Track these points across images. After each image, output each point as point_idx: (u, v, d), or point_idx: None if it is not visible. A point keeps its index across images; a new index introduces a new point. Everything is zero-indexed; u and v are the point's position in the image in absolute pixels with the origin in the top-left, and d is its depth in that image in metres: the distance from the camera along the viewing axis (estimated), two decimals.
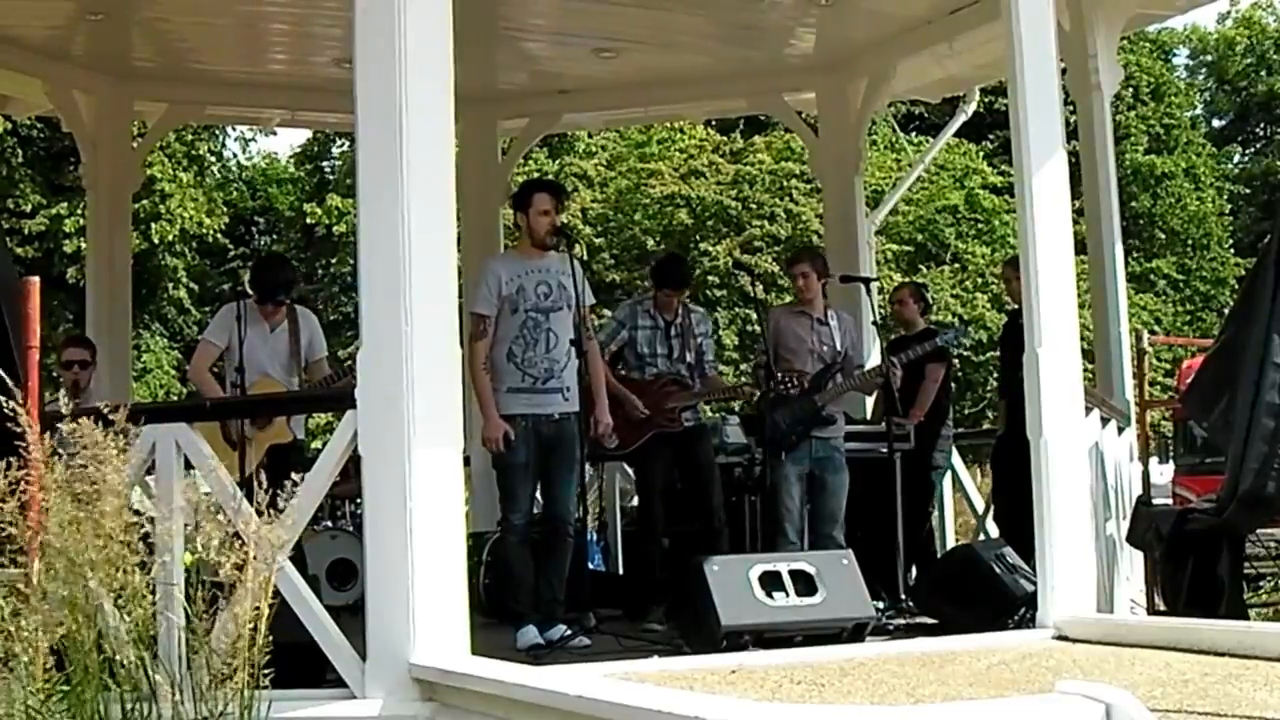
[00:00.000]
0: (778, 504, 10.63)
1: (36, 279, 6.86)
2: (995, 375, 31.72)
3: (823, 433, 10.79)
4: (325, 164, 46.18)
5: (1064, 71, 10.66)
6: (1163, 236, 44.09)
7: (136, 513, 6.80)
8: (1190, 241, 44.55)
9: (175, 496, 7.35)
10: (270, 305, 10.51)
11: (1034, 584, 8.96)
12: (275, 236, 47.18)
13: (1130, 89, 42.71)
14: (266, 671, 6.32)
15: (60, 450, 6.45)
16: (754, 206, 35.08)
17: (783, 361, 10.77)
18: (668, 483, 10.70)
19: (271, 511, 6.52)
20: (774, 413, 10.65)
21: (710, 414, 11.27)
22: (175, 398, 34.71)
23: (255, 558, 6.44)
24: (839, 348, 11.01)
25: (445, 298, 7.54)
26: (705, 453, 10.79)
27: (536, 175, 32.72)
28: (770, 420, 10.65)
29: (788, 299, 11.81)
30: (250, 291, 10.73)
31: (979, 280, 36.54)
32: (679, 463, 10.68)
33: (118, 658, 6.23)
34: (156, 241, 35.22)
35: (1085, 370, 9.21)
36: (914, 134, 34.60)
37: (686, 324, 10.82)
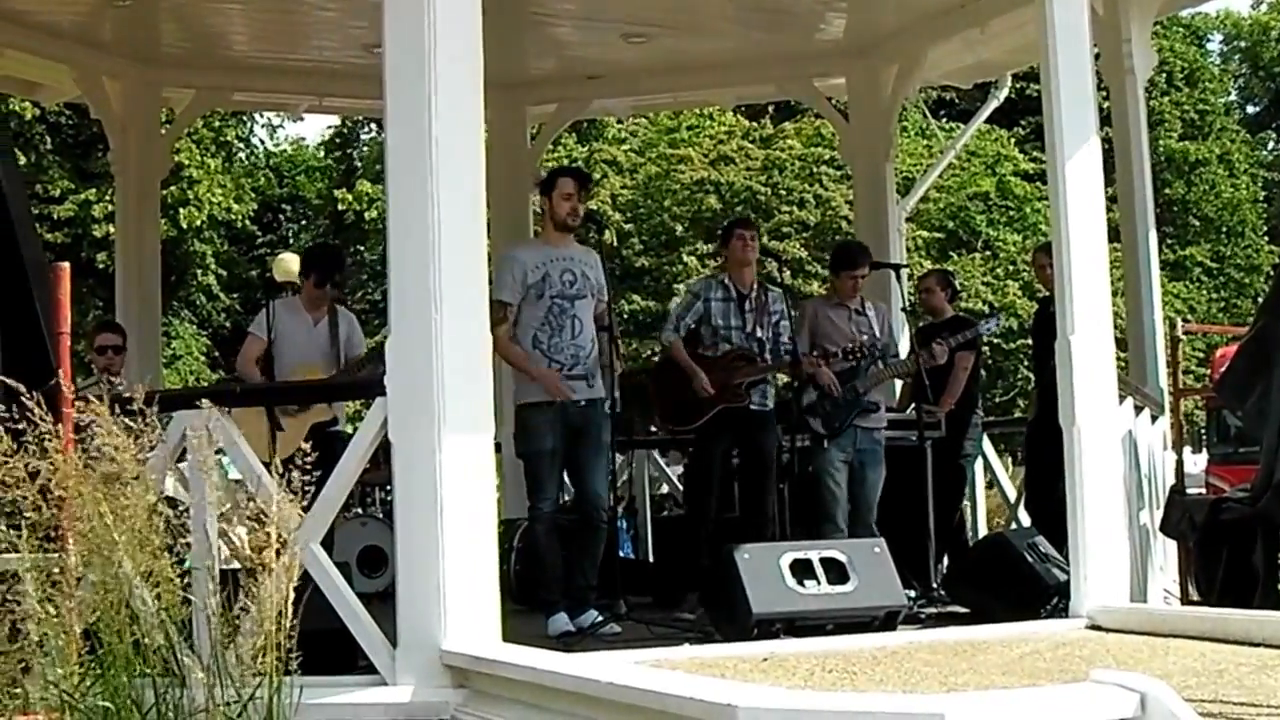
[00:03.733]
0: (822, 490, 10.58)
1: (67, 265, 6.86)
2: (1026, 363, 31.66)
3: (865, 422, 10.76)
4: (353, 150, 46.23)
5: (1097, 56, 10.60)
6: (1196, 224, 43.97)
7: (171, 499, 6.81)
8: (1224, 228, 44.43)
9: (207, 481, 7.36)
10: (329, 288, 10.65)
11: (1066, 573, 8.94)
12: (304, 223, 47.25)
13: (1163, 75, 42.56)
14: (296, 655, 6.31)
15: (90, 434, 6.44)
16: (783, 192, 35.02)
17: (822, 351, 10.72)
18: (726, 469, 10.64)
19: (296, 491, 6.50)
20: (816, 399, 10.62)
21: None
22: (205, 384, 34.77)
23: (280, 538, 6.43)
24: (878, 335, 10.97)
25: (475, 284, 7.54)
26: (770, 442, 10.63)
27: (566, 162, 32.75)
28: (811, 406, 10.62)
29: (815, 285, 11.65)
30: (301, 280, 11.04)
31: (1010, 268, 36.44)
32: (741, 449, 10.63)
33: (148, 641, 6.22)
34: (185, 227, 35.31)
35: (1118, 359, 9.16)
36: (945, 120, 34.46)
37: (762, 300, 10.75)
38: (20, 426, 6.08)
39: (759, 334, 10.64)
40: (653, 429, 12.29)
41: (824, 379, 10.61)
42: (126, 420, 6.33)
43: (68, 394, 6.49)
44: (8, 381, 6.16)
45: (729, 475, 10.78)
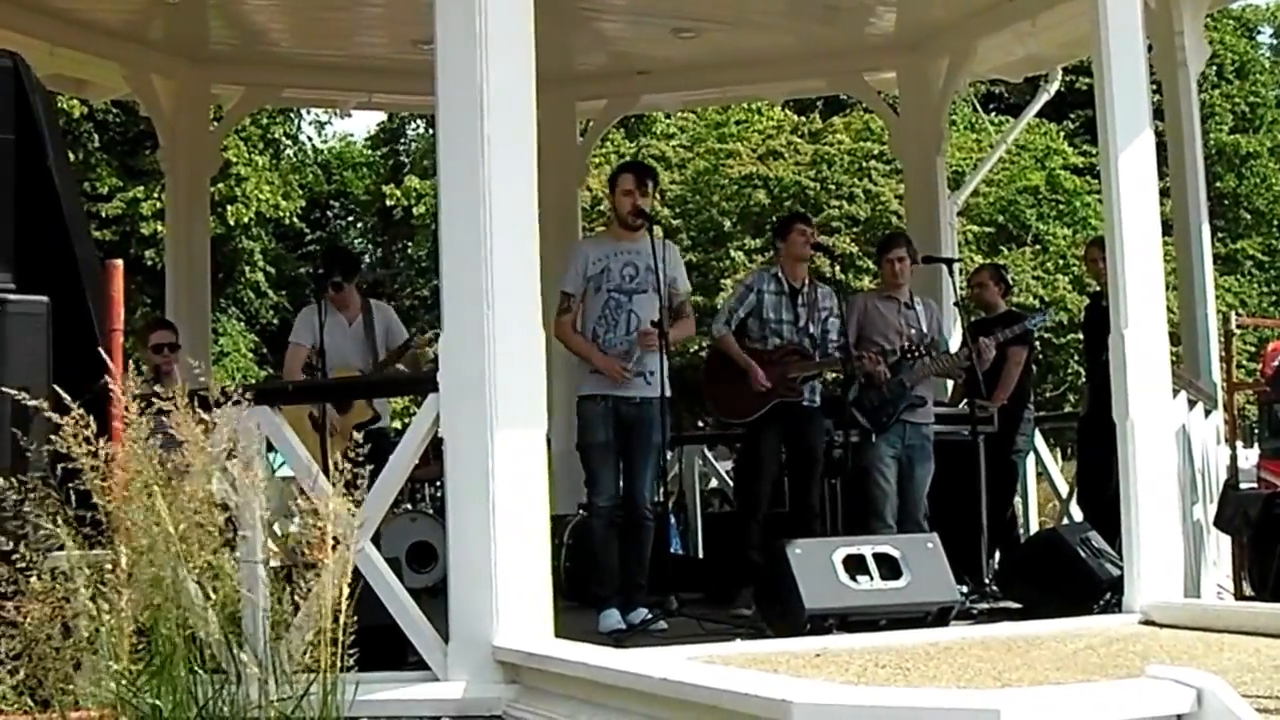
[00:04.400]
0: (870, 486, 10.55)
1: (120, 262, 6.87)
2: (1076, 358, 31.52)
3: (913, 417, 10.71)
4: (400, 146, 46.32)
5: (1149, 49, 10.54)
6: (1248, 217, 43.73)
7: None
8: (1276, 222, 44.15)
9: (256, 478, 7.37)
10: (331, 290, 10.68)
11: (1120, 568, 8.91)
12: (351, 219, 47.37)
13: (1214, 67, 42.31)
14: (350, 652, 6.32)
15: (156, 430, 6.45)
16: (833, 187, 34.92)
17: (870, 344, 10.70)
18: (778, 462, 10.61)
19: (349, 489, 6.49)
20: (861, 393, 10.61)
21: None
22: (252, 381, 34.85)
23: (333, 536, 6.43)
24: (925, 331, 10.95)
25: (527, 279, 7.53)
26: (816, 438, 10.62)
27: (614, 158, 32.73)
28: (858, 400, 10.60)
29: (865, 280, 11.63)
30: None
31: (1060, 262, 36.26)
32: (788, 443, 10.58)
33: (202, 638, 6.24)
34: (233, 225, 35.37)
35: (1171, 353, 9.11)
36: (994, 114, 34.36)
37: (813, 296, 10.71)
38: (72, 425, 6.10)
39: (810, 329, 10.60)
40: (700, 424, 12.26)
41: (875, 374, 10.59)
42: (201, 414, 6.36)
43: (118, 394, 6.50)
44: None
45: (780, 470, 10.75)
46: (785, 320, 10.58)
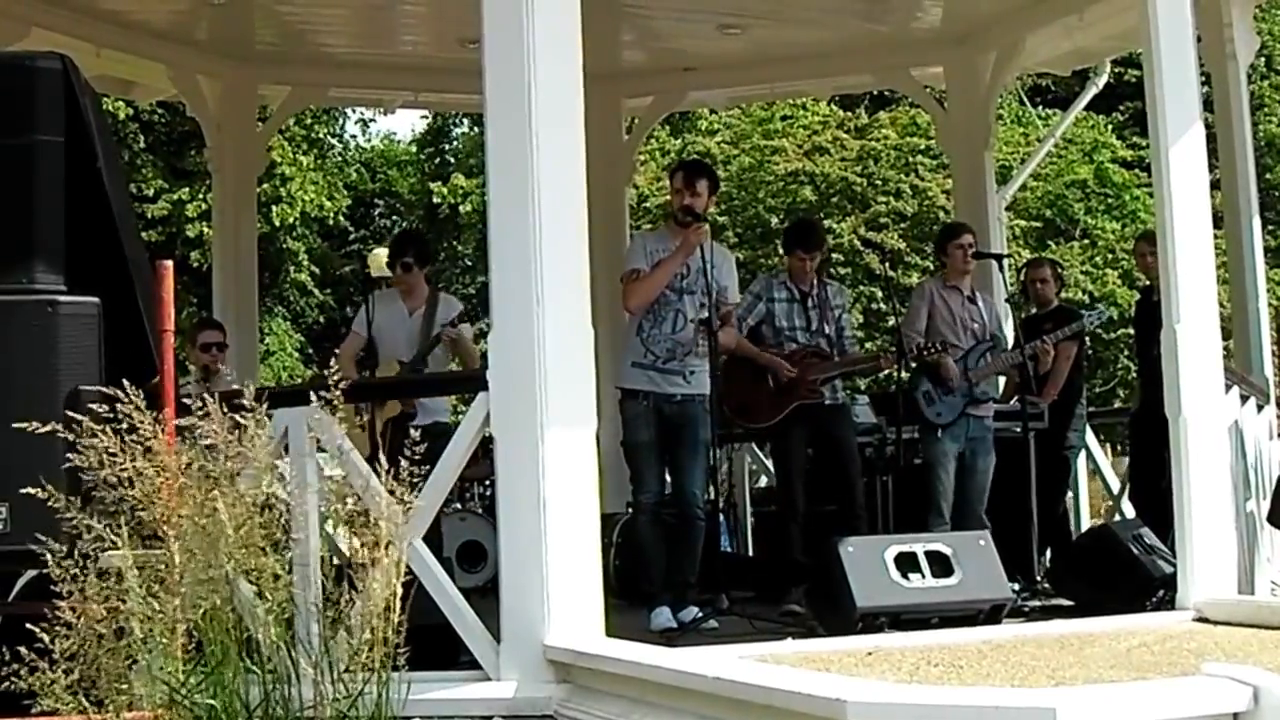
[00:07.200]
0: (932, 480, 10.57)
1: (169, 263, 6.89)
2: (1126, 353, 31.35)
3: (977, 411, 10.74)
4: (445, 144, 46.35)
5: (1198, 40, 10.48)
6: None
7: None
8: None
9: (308, 478, 7.39)
10: (400, 270, 10.69)
11: (1172, 565, 8.87)
12: (396, 218, 47.44)
13: (1263, 59, 41.94)
14: (402, 650, 6.33)
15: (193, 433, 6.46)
16: (879, 183, 34.77)
17: (938, 336, 10.68)
18: (806, 461, 10.58)
19: (400, 489, 6.50)
20: (926, 384, 10.62)
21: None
22: (299, 380, 34.93)
23: (387, 536, 6.45)
24: (987, 326, 10.94)
25: (576, 277, 7.53)
26: (846, 432, 10.63)
27: (660, 155, 32.72)
28: (927, 394, 10.61)
29: (915, 276, 11.56)
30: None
31: (1109, 256, 36.04)
32: (818, 442, 10.54)
33: (256, 638, 6.25)
34: (278, 225, 35.43)
35: (1222, 347, 9.06)
36: (1041, 108, 34.18)
37: (823, 296, 10.66)
38: (124, 426, 6.11)
39: (825, 330, 10.59)
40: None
41: (948, 372, 10.60)
42: (235, 417, 6.36)
43: (170, 392, 6.53)
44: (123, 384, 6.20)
45: (813, 470, 10.71)
46: (798, 326, 10.57)
